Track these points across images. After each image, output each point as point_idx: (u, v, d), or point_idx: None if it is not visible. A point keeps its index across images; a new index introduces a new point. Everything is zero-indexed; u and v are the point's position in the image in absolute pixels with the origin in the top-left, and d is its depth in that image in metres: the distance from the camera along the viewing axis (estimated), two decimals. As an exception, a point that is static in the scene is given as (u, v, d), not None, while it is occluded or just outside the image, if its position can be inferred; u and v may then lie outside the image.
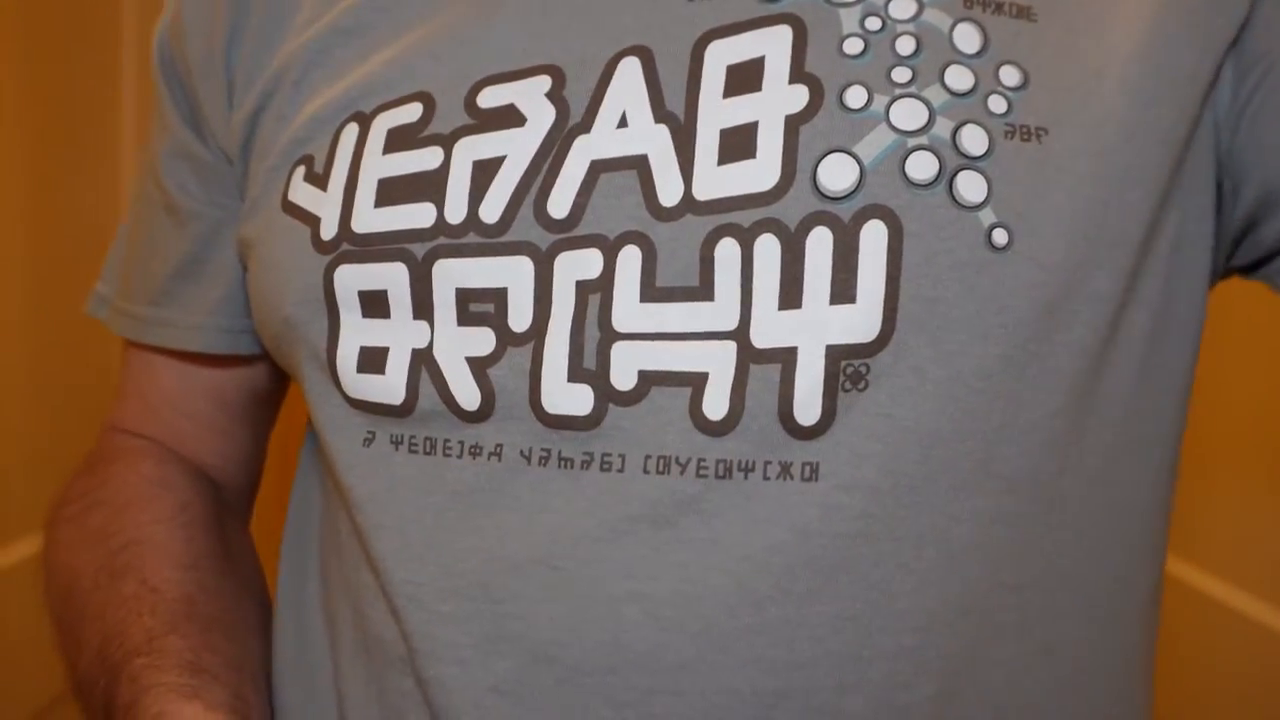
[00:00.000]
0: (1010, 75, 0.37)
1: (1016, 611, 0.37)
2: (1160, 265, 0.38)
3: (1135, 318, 0.38)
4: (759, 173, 0.36)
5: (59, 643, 0.47)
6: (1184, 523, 0.44)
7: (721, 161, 0.37)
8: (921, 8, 0.37)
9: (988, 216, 0.35)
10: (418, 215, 0.40)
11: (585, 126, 0.39)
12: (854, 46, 0.37)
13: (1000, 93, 0.36)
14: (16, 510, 0.96)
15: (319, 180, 0.43)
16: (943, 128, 0.36)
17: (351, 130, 0.42)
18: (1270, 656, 0.84)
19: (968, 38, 0.37)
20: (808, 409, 0.35)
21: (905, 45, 0.37)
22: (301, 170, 0.43)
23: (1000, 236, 0.35)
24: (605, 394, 0.37)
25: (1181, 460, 0.43)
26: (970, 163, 0.35)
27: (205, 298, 0.50)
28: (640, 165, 0.38)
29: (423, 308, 0.39)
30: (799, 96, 0.36)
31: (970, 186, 0.35)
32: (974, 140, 0.35)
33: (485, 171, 0.39)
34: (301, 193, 0.43)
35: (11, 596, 0.90)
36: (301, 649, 0.46)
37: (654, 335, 0.36)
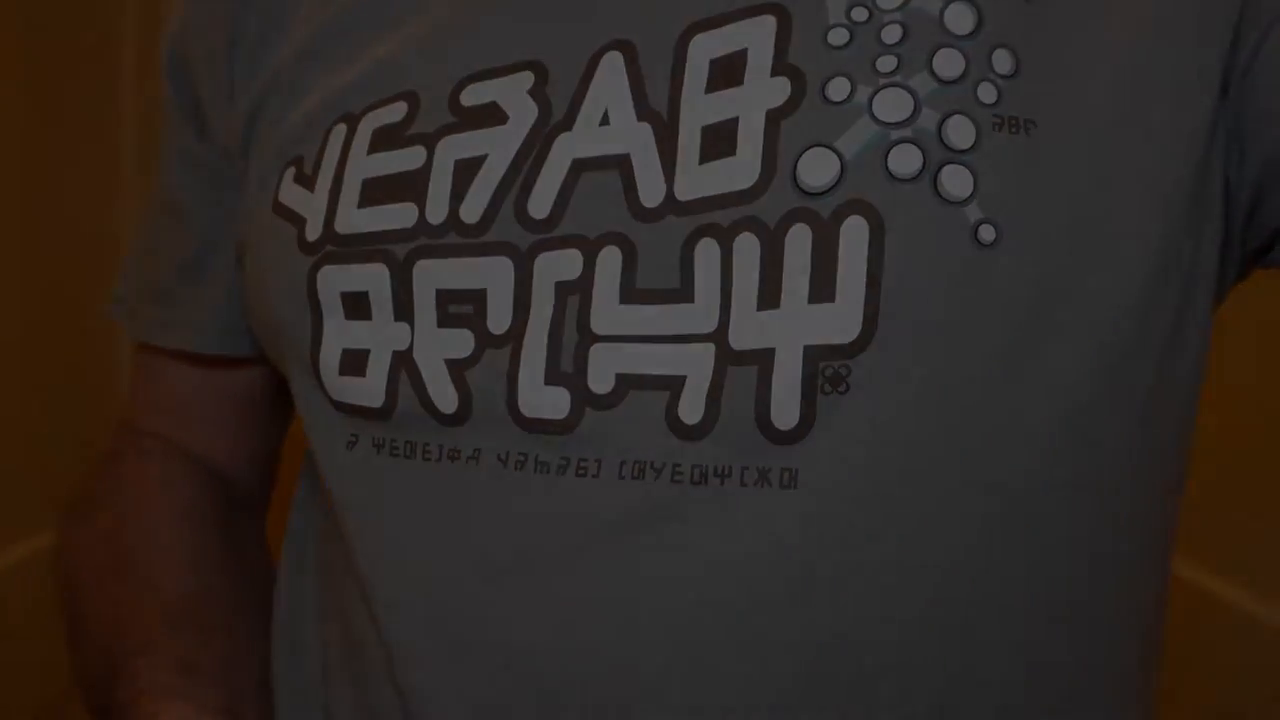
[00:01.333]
0: (1003, 61, 0.35)
1: (1014, 630, 0.35)
2: (1185, 266, 0.36)
3: (1159, 322, 0.36)
4: (739, 170, 0.35)
5: (68, 640, 0.48)
6: (1185, 521, 0.42)
7: (703, 160, 0.36)
8: None
9: (974, 212, 0.33)
10: (400, 216, 0.39)
11: (567, 124, 0.38)
12: (839, 37, 0.35)
13: (991, 80, 0.34)
14: (16, 510, 0.97)
15: (307, 181, 0.42)
16: (928, 119, 0.34)
17: (340, 131, 0.42)
18: (1273, 656, 0.82)
19: (961, 17, 0.35)
20: (785, 412, 0.34)
21: (892, 34, 0.35)
22: (292, 171, 0.43)
23: (987, 233, 0.33)
24: (582, 397, 0.36)
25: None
26: (955, 156, 0.34)
27: (205, 298, 0.50)
28: (622, 165, 0.37)
29: (403, 309, 0.39)
30: (780, 90, 0.35)
31: (955, 181, 0.33)
32: (960, 133, 0.34)
33: (467, 171, 0.39)
34: (291, 194, 0.43)
35: (12, 596, 0.91)
36: (295, 651, 0.46)
37: (632, 338, 0.36)
